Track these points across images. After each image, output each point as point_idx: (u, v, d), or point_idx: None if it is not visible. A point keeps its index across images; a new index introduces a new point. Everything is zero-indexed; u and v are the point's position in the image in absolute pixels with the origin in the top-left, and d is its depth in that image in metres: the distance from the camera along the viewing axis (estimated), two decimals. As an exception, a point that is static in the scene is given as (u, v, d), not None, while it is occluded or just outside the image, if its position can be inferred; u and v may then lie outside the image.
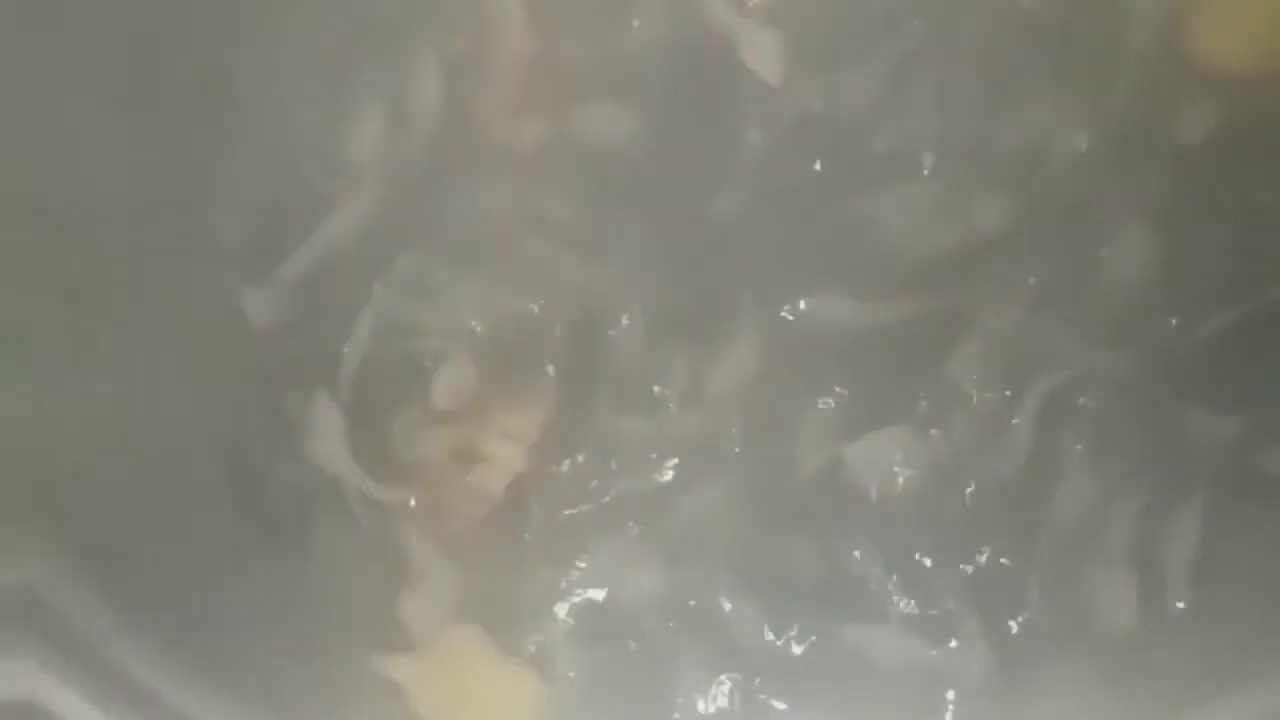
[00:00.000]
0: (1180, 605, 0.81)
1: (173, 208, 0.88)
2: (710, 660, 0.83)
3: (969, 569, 0.83)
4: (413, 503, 0.86)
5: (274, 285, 0.89)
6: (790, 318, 0.88)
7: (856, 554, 0.84)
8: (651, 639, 0.84)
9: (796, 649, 0.83)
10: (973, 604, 0.82)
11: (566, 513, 0.86)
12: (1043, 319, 0.86)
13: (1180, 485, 0.83)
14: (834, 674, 0.82)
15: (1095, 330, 0.86)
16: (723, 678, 0.84)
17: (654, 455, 0.87)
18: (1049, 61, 0.89)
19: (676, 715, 0.83)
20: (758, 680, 0.83)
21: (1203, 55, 0.87)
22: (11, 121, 0.80)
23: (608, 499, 0.86)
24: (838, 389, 0.87)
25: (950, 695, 0.82)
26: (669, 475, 0.86)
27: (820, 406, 0.86)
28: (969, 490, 0.84)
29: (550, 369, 0.88)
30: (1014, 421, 0.84)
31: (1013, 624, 0.82)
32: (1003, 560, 0.83)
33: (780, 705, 0.83)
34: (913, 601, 0.83)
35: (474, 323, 0.89)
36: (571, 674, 0.83)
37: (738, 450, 0.87)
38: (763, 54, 0.90)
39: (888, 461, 0.85)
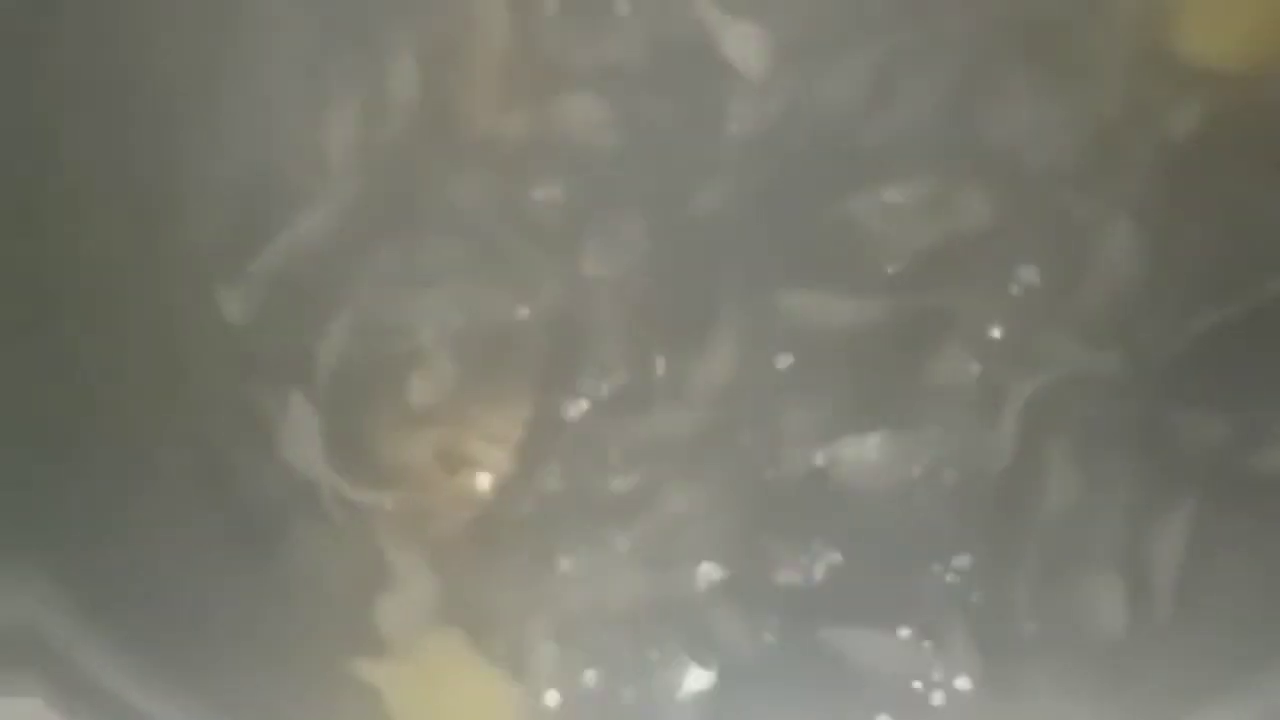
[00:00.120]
0: (1169, 610, 0.80)
1: (146, 202, 0.87)
2: (694, 663, 0.83)
3: (954, 572, 0.82)
4: (390, 505, 0.85)
5: (248, 282, 0.88)
6: (772, 316, 0.87)
7: (839, 556, 0.83)
8: (632, 642, 0.83)
9: (779, 652, 0.82)
10: (958, 608, 0.82)
11: (547, 514, 0.85)
12: (1028, 318, 0.86)
13: (1168, 487, 0.82)
14: (817, 678, 0.82)
15: (1081, 330, 0.85)
16: (704, 681, 0.83)
17: (634, 455, 0.86)
18: (1034, 58, 0.89)
19: (658, 718, 0.82)
20: (740, 683, 0.83)
21: (1189, 53, 0.87)
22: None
23: (591, 500, 0.85)
24: (820, 388, 0.86)
25: (935, 700, 0.81)
26: (649, 476, 0.85)
27: (802, 406, 0.86)
28: (954, 492, 0.84)
29: (530, 367, 0.87)
30: (999, 422, 0.83)
31: (998, 628, 0.81)
32: (988, 563, 0.82)
33: (763, 709, 0.82)
34: (897, 605, 0.82)
35: (453, 321, 0.88)
36: (554, 678, 0.82)
37: (719, 450, 0.86)
38: (745, 49, 0.89)
39: (871, 462, 0.84)
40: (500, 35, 0.91)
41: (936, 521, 0.83)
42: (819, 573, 0.83)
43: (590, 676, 0.82)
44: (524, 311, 0.88)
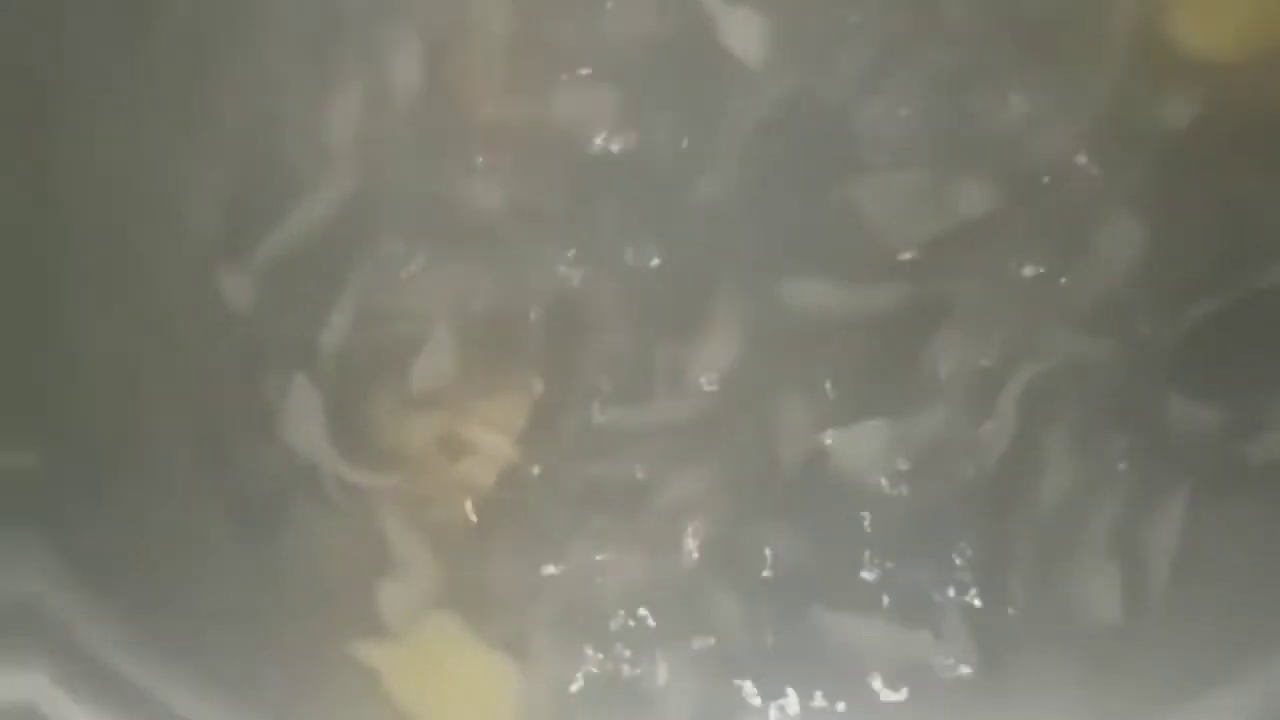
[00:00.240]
0: (1164, 597, 0.81)
1: (149, 189, 0.87)
2: (690, 649, 0.83)
3: (951, 559, 0.83)
4: (391, 489, 0.85)
5: (251, 268, 0.88)
6: (772, 304, 0.87)
7: (838, 543, 0.84)
8: (631, 628, 0.83)
9: (778, 638, 0.83)
10: (955, 595, 0.82)
11: (550, 500, 0.85)
12: (1026, 307, 0.86)
13: (1164, 476, 0.82)
14: (815, 664, 0.82)
15: (1078, 319, 0.86)
16: (703, 666, 0.83)
17: (635, 443, 0.86)
18: (1033, 47, 0.89)
19: (656, 703, 0.82)
20: (738, 669, 0.83)
21: (1186, 43, 0.87)
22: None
23: (591, 487, 0.85)
24: (819, 376, 0.86)
25: (931, 686, 0.81)
26: (650, 463, 0.85)
27: (802, 394, 0.86)
28: (951, 479, 0.84)
29: (533, 355, 0.87)
30: (997, 410, 0.84)
31: (995, 615, 0.82)
32: (985, 550, 0.83)
33: (761, 694, 0.82)
34: (894, 591, 0.83)
35: (454, 307, 0.88)
36: (550, 663, 0.82)
37: (719, 438, 0.86)
38: (745, 38, 0.89)
39: (869, 450, 0.84)
40: (502, 23, 0.92)
41: (933, 508, 0.84)
42: (816, 559, 0.84)
43: (588, 660, 0.83)
44: (525, 299, 0.88)
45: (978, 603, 0.82)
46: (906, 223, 0.88)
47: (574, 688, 0.82)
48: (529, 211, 0.89)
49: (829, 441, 0.85)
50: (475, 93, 0.91)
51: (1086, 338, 0.85)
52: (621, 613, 0.83)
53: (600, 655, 0.83)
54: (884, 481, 0.84)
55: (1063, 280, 0.86)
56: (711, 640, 0.83)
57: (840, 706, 0.81)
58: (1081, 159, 0.88)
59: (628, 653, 0.83)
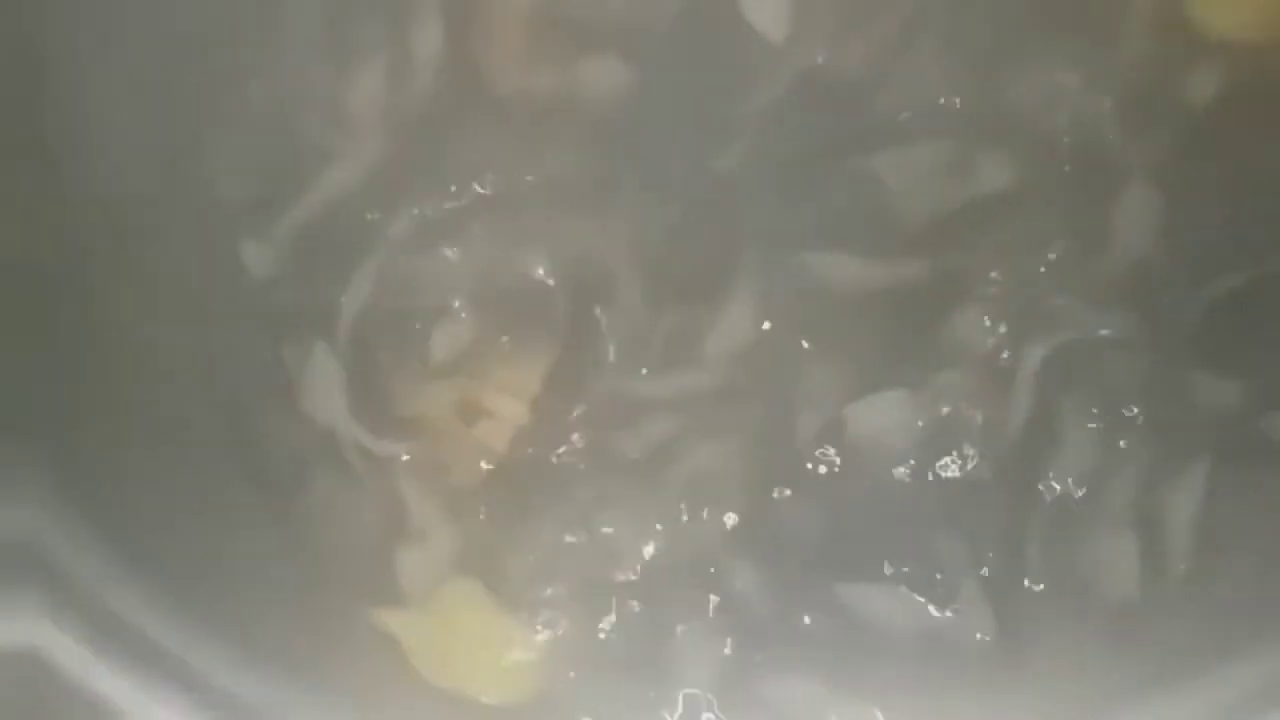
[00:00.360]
0: (1182, 570, 0.81)
1: (173, 159, 0.88)
2: (709, 619, 0.83)
3: (970, 532, 0.83)
4: (409, 457, 0.85)
5: (273, 238, 0.89)
6: (791, 277, 0.87)
7: (857, 515, 0.84)
8: (650, 596, 0.84)
9: (796, 609, 0.83)
10: (974, 567, 0.82)
11: (567, 468, 0.86)
12: (1046, 281, 0.86)
13: (1183, 450, 0.82)
14: (833, 634, 0.82)
15: (1099, 293, 0.86)
16: (721, 636, 0.83)
17: (653, 413, 0.86)
18: (1055, 23, 0.89)
19: (674, 672, 0.83)
20: (756, 639, 0.83)
21: (1206, 22, 0.87)
22: (14, 71, 0.79)
23: (608, 456, 0.85)
24: (838, 349, 0.86)
25: (950, 658, 0.81)
26: (668, 433, 0.86)
27: (821, 366, 0.86)
28: (970, 452, 0.84)
29: (550, 324, 0.87)
30: (1016, 383, 0.84)
31: (1014, 588, 0.82)
32: (1004, 523, 0.83)
33: (779, 665, 0.82)
34: (913, 564, 0.83)
35: (474, 277, 0.88)
36: (568, 631, 0.83)
37: (737, 409, 0.86)
38: (766, 11, 0.89)
39: (889, 422, 0.84)
40: (521, -3, 0.92)
41: (952, 480, 0.84)
42: (834, 529, 0.84)
43: (606, 626, 0.83)
44: (545, 269, 0.88)
45: (996, 574, 0.82)
46: (927, 196, 0.88)
47: (591, 653, 0.83)
48: (550, 182, 0.89)
49: (848, 413, 0.85)
50: (497, 64, 0.91)
51: (1106, 312, 0.85)
52: (639, 580, 0.84)
53: (618, 621, 0.83)
54: (902, 453, 0.84)
55: (1083, 255, 0.86)
56: (729, 609, 0.83)
57: (858, 675, 0.81)
58: (1103, 135, 0.87)
59: (645, 619, 0.83)
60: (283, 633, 0.78)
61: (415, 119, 0.91)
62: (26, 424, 0.75)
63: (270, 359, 0.87)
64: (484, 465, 0.85)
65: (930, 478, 0.84)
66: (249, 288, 0.88)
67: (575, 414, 0.86)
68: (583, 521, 0.84)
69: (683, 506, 0.85)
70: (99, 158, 0.83)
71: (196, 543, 0.78)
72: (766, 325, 0.87)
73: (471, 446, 0.85)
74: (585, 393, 0.86)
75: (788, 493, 0.85)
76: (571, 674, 0.82)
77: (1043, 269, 0.86)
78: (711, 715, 0.82)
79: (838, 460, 0.85)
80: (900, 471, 0.84)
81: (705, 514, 0.85)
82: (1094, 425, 0.84)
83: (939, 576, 0.82)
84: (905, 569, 0.83)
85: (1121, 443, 0.83)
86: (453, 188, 0.90)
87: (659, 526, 0.84)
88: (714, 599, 0.83)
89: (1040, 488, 0.83)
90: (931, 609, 0.82)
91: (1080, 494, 0.83)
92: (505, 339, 0.87)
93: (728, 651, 0.83)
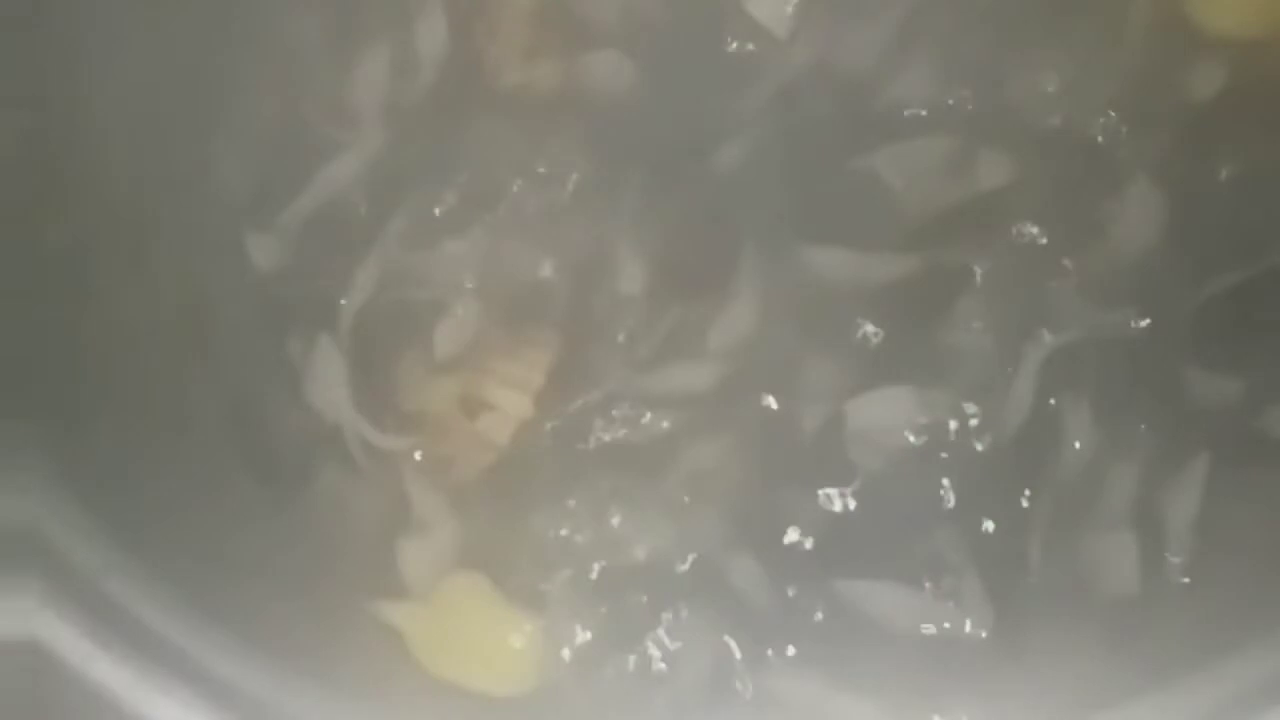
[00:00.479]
0: (1181, 567, 0.81)
1: (176, 152, 0.88)
2: (711, 613, 0.83)
3: (971, 528, 0.83)
4: (413, 450, 0.86)
5: (277, 230, 0.89)
6: (792, 272, 0.87)
7: (856, 509, 0.84)
8: (652, 590, 0.84)
9: (797, 604, 0.83)
10: (974, 564, 0.82)
11: (569, 462, 0.86)
12: (1046, 277, 0.86)
13: (1183, 447, 0.83)
14: (834, 630, 0.82)
15: (1099, 289, 0.86)
16: (721, 630, 0.83)
17: (656, 407, 0.86)
18: (1055, 20, 0.89)
19: (675, 666, 0.83)
20: (757, 635, 0.83)
21: (1208, 19, 0.87)
22: (18, 66, 0.79)
23: (610, 450, 0.86)
24: (840, 343, 0.86)
25: (951, 655, 0.82)
26: (671, 427, 0.86)
27: (822, 361, 0.86)
28: (971, 448, 0.84)
29: (553, 318, 0.87)
30: (1016, 380, 0.84)
31: (1014, 584, 0.82)
32: (1004, 520, 0.83)
33: (781, 660, 0.82)
34: (914, 560, 0.83)
35: (477, 271, 0.88)
36: (572, 623, 0.83)
37: (740, 403, 0.86)
38: (769, 5, 0.90)
39: (890, 418, 0.84)
40: (525, -10, 0.92)
41: (952, 477, 0.84)
42: (836, 525, 0.84)
43: (608, 620, 0.83)
44: (547, 263, 0.89)
45: (996, 571, 0.82)
46: (928, 192, 0.88)
47: (593, 646, 0.83)
48: (552, 176, 0.90)
49: (849, 408, 0.85)
50: (500, 58, 0.91)
51: (1107, 309, 0.85)
52: (641, 573, 0.84)
53: (619, 614, 0.83)
54: (903, 448, 0.84)
55: (1083, 251, 0.86)
56: (730, 603, 0.83)
57: (858, 671, 0.82)
58: (1102, 132, 0.88)
59: (647, 612, 0.83)
60: (285, 624, 0.78)
61: (419, 112, 0.91)
62: (30, 413, 0.75)
63: (274, 351, 0.88)
64: (487, 458, 0.85)
65: (931, 474, 0.84)
66: (253, 280, 0.89)
67: (578, 408, 0.86)
68: (585, 515, 0.84)
69: (685, 500, 0.85)
70: (103, 150, 0.84)
71: (199, 533, 0.78)
72: (768, 320, 0.87)
73: (475, 440, 0.85)
74: (588, 387, 0.86)
75: (788, 488, 0.85)
76: (573, 666, 0.82)
77: (1043, 266, 0.86)
78: (711, 710, 0.82)
79: (838, 455, 0.85)
80: (901, 467, 0.84)
81: (707, 508, 0.85)
82: (1094, 421, 0.84)
83: (939, 573, 0.82)
84: (906, 566, 0.83)
85: (1121, 440, 0.83)
86: (456, 181, 0.90)
87: (661, 520, 0.84)
88: (715, 593, 0.83)
89: (1041, 484, 0.83)
90: (932, 606, 0.82)
91: (1080, 491, 0.83)
92: (508, 333, 0.87)
93: (728, 646, 0.83)
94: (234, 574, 0.78)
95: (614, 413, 0.86)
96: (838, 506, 0.84)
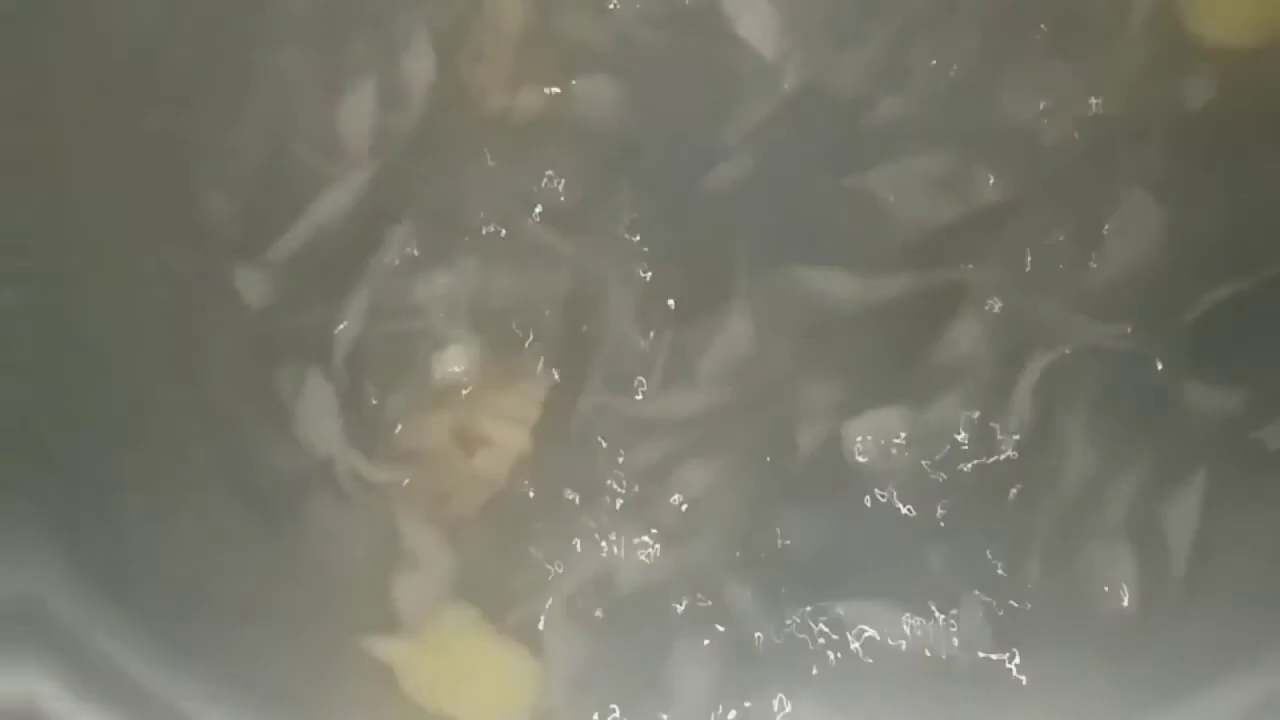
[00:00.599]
0: (1181, 582, 0.80)
1: (164, 186, 0.88)
2: (708, 640, 0.82)
3: (969, 547, 0.82)
4: (407, 483, 0.85)
5: (267, 264, 0.89)
6: (787, 293, 0.87)
7: (856, 532, 0.83)
8: (649, 619, 0.83)
9: (795, 628, 0.82)
10: (973, 581, 0.81)
11: (562, 491, 0.85)
12: (1043, 292, 0.86)
13: (1181, 461, 0.82)
14: (832, 653, 0.82)
15: (1096, 304, 0.85)
16: (719, 656, 0.82)
17: (651, 433, 0.86)
18: (1049, 34, 0.89)
19: (674, 695, 0.82)
20: (755, 659, 0.82)
21: (1203, 28, 0.87)
22: (10, 96, 0.80)
23: (604, 477, 0.85)
24: (835, 365, 0.86)
25: (950, 674, 0.81)
26: (666, 454, 0.85)
27: (818, 382, 0.86)
28: (969, 466, 0.83)
29: (548, 347, 0.87)
30: (1014, 396, 0.83)
31: (1013, 601, 0.81)
32: (1003, 538, 0.82)
33: (778, 685, 0.82)
34: (913, 580, 0.82)
35: (469, 301, 0.88)
36: (567, 655, 0.82)
37: (735, 427, 0.86)
38: (758, 26, 0.90)
39: (887, 438, 0.84)
40: (514, 15, 0.92)
41: (950, 496, 0.83)
42: (834, 547, 0.83)
43: (603, 651, 0.82)
44: (539, 292, 0.88)
45: (995, 588, 0.81)
46: (922, 210, 0.88)
47: (588, 677, 0.82)
48: (543, 203, 0.89)
49: (845, 429, 0.84)
50: (487, 85, 0.91)
51: (1104, 323, 0.85)
52: (637, 603, 0.83)
53: (615, 645, 0.82)
54: (900, 468, 0.83)
55: (1080, 265, 0.86)
56: (728, 628, 0.83)
57: (858, 693, 0.81)
58: (1098, 144, 0.87)
59: (643, 641, 0.83)
60: (276, 664, 0.77)
61: (407, 143, 0.91)
62: (17, 458, 0.75)
63: (265, 386, 0.87)
64: (481, 492, 0.84)
65: (929, 493, 0.83)
66: (243, 315, 0.88)
67: (575, 437, 0.85)
68: (581, 545, 0.84)
69: (682, 527, 0.84)
70: (92, 187, 0.83)
71: (188, 575, 0.78)
72: (762, 342, 0.86)
73: (472, 476, 0.85)
74: (584, 416, 0.86)
75: (786, 511, 0.84)
76: (568, 699, 0.81)
77: (1039, 281, 0.86)
78: (711, 738, 0.82)
79: (835, 477, 0.84)
80: (899, 487, 0.83)
81: (703, 533, 0.84)
82: (1092, 437, 0.83)
83: (938, 594, 0.82)
84: (905, 586, 0.82)
85: (1119, 455, 0.83)
86: (446, 211, 0.89)
87: (657, 547, 0.84)
88: (712, 618, 0.83)
89: (1039, 501, 0.83)
90: (931, 625, 0.81)
91: (1079, 507, 0.82)
92: (503, 365, 0.87)
93: (726, 672, 0.82)
94: (224, 615, 0.77)
95: (611, 440, 0.85)
96: (835, 528, 0.83)
